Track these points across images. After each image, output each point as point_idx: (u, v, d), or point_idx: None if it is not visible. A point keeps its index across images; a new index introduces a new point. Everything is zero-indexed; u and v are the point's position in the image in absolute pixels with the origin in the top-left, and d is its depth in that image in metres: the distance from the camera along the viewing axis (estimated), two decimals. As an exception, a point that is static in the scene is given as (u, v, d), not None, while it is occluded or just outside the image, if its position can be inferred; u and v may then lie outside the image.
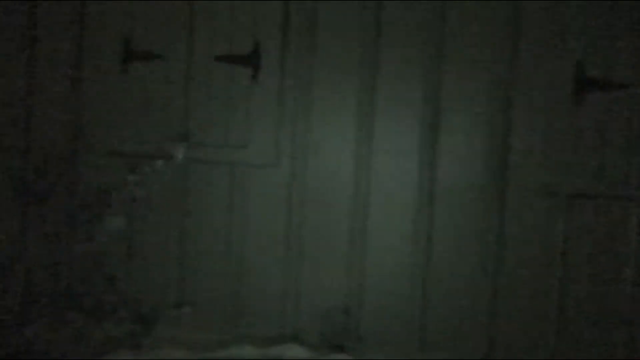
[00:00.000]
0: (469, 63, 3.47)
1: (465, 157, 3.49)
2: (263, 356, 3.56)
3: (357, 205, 3.61)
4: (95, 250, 3.87)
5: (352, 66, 3.59)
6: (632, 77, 3.34)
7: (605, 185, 3.37)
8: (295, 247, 3.68)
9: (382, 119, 3.57)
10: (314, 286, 3.65)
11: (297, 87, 3.66)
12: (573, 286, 3.42)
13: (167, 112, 3.82)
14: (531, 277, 3.42)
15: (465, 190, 3.48)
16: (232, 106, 3.74)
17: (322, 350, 3.58)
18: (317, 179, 3.64)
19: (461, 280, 3.47)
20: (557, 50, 3.39)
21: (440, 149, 3.52)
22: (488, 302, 3.46)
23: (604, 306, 3.38)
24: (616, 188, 3.37)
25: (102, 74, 3.89)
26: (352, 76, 3.60)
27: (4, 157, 4.01)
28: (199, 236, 3.80)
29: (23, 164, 4.00)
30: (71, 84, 3.93)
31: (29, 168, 3.99)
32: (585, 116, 3.40)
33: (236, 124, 3.74)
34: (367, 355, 3.52)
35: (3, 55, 4.00)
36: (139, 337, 3.73)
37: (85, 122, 3.92)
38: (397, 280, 3.57)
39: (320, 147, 3.63)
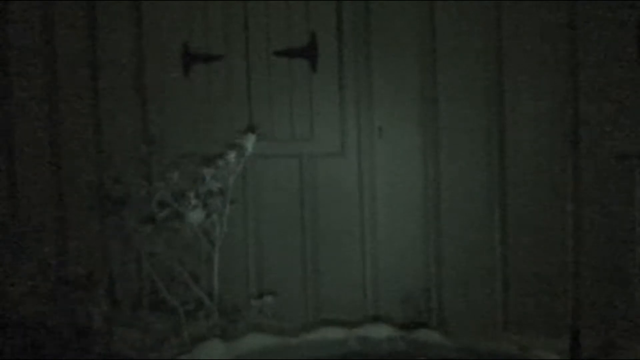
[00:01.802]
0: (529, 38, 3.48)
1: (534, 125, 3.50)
2: (349, 335, 3.63)
3: (428, 188, 3.65)
4: (178, 246, 3.99)
5: (411, 53, 3.62)
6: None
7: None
8: (369, 233, 3.75)
9: (446, 100, 3.59)
10: (393, 270, 3.72)
11: (356, 76, 3.70)
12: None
13: (232, 111, 3.91)
14: (610, 249, 3.44)
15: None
16: (295, 99, 3.80)
17: (407, 328, 3.64)
18: (385, 164, 3.69)
19: (541, 255, 3.49)
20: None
21: (507, 125, 3.54)
22: (572, 276, 3.48)
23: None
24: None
25: (164, 79, 3.98)
26: (411, 62, 3.62)
27: (78, 166, 4.15)
28: (273, 228, 3.89)
29: (97, 172, 4.13)
30: (135, 90, 4.04)
31: (104, 176, 4.13)
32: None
33: (300, 116, 3.80)
34: (452, 336, 3.57)
35: (67, 66, 4.13)
36: (226, 328, 3.85)
37: (153, 127, 4.03)
38: (475, 259, 3.61)
39: (384, 133, 3.67)
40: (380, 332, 3.62)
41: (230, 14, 3.86)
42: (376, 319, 3.74)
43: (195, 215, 3.88)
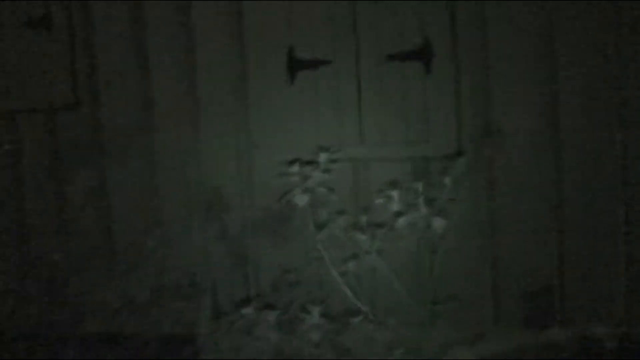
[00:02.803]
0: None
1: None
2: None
3: (547, 186, 3.64)
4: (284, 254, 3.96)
5: (529, 52, 3.60)
6: None
7: None
8: (487, 232, 3.73)
9: (567, 99, 3.58)
10: (512, 269, 3.71)
11: (473, 77, 3.68)
12: None
13: (340, 117, 3.86)
14: None
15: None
16: (408, 102, 3.77)
17: (528, 329, 3.65)
18: (504, 165, 3.67)
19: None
20: None
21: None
22: None
23: None
24: None
25: (268, 85, 3.92)
26: (530, 62, 3.60)
27: (176, 174, 4.09)
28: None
29: (197, 178, 4.07)
30: (236, 97, 3.98)
31: (207, 186, 4.07)
32: None
33: (414, 119, 3.77)
34: (578, 333, 3.59)
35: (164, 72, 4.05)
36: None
37: (256, 134, 3.97)
38: (596, 257, 3.61)
39: (502, 134, 3.66)
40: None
41: (336, 15, 3.80)
42: (496, 320, 3.74)
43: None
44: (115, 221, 4.17)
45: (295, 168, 3.47)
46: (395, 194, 3.45)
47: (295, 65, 3.87)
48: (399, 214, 3.45)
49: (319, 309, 3.37)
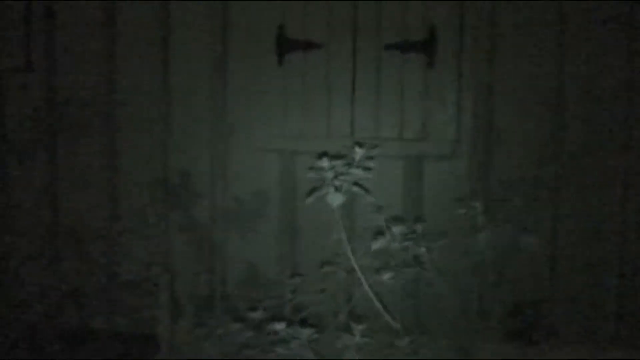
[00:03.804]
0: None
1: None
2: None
3: (541, 193, 3.48)
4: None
5: (537, 49, 3.41)
6: None
7: None
8: (472, 244, 3.53)
9: (574, 100, 3.41)
10: (499, 281, 3.54)
11: (477, 74, 3.46)
12: None
13: (331, 106, 3.58)
14: None
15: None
16: (406, 96, 3.52)
17: (511, 344, 3.49)
18: (501, 167, 3.48)
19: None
20: None
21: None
22: None
23: None
24: None
25: (252, 65, 3.59)
26: (537, 62, 3.42)
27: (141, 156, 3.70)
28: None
29: (163, 163, 3.70)
30: (216, 75, 3.62)
31: (174, 170, 3.70)
32: None
33: (411, 115, 3.52)
34: (564, 348, 3.46)
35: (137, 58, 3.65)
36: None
37: (235, 119, 3.64)
38: (589, 271, 3.48)
39: (502, 133, 3.46)
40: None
41: (335, -2, 3.51)
42: (477, 332, 3.56)
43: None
44: (65, 201, 3.74)
45: (325, 162, 2.91)
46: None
47: (284, 46, 3.54)
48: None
49: (361, 327, 2.98)
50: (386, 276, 2.97)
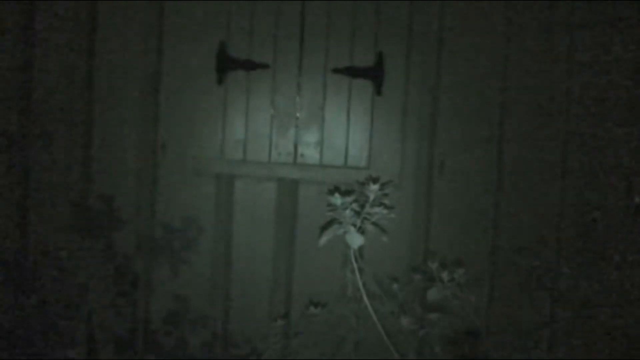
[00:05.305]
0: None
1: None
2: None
3: (489, 224, 3.47)
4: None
5: (482, 85, 3.41)
6: None
7: None
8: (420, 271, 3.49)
9: (516, 139, 3.43)
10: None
11: (422, 104, 3.42)
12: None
13: (271, 129, 3.40)
14: None
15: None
16: (352, 122, 3.41)
17: (450, 377, 3.46)
18: (443, 200, 3.45)
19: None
20: None
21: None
22: None
23: None
24: None
25: (189, 83, 3.35)
26: (481, 96, 3.41)
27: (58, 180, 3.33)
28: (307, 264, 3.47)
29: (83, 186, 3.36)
30: (147, 92, 3.34)
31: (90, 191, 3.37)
32: None
33: (356, 141, 3.42)
34: (502, 377, 3.47)
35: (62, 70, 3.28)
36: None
37: (167, 139, 3.37)
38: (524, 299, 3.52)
39: (445, 164, 3.44)
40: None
41: (282, 14, 3.35)
42: (415, 366, 3.50)
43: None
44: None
45: (337, 199, 2.59)
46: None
47: (225, 64, 3.33)
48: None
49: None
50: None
